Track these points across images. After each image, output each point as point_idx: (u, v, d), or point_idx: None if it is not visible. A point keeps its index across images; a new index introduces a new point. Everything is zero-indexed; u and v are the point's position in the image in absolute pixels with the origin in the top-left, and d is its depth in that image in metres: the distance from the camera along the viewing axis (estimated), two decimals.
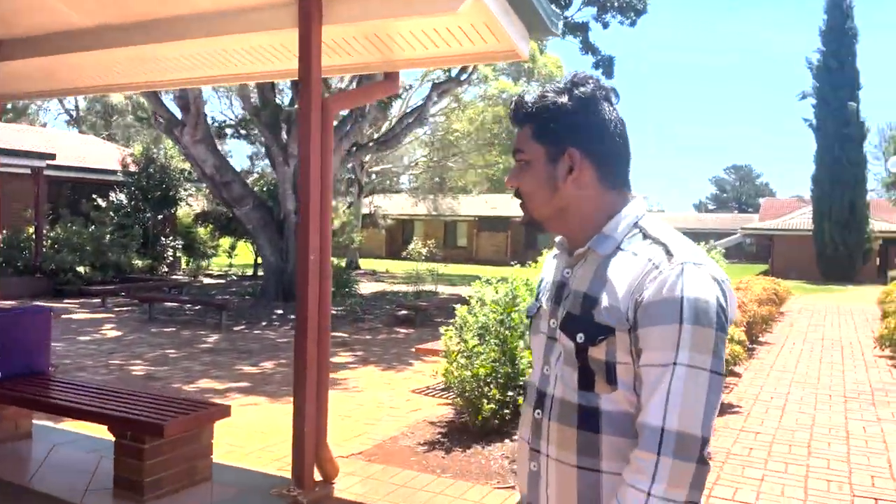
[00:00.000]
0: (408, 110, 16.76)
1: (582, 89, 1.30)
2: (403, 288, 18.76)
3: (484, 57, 4.32)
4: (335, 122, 13.91)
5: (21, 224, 16.58)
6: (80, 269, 15.67)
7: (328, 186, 4.17)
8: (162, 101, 12.43)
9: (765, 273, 28.08)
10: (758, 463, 4.94)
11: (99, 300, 13.76)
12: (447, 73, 14.16)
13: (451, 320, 5.80)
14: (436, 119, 30.06)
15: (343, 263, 25.38)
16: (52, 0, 4.00)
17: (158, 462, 3.82)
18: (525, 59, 4.10)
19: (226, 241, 25.59)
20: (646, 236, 1.27)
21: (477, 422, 5.18)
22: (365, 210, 34.85)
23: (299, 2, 3.66)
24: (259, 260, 19.07)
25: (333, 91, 13.52)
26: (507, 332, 5.42)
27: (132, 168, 19.01)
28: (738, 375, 8.00)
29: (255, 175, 22.62)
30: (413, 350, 8.42)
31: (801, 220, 33.35)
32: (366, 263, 33.61)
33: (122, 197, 18.65)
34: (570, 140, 1.29)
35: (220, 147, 30.48)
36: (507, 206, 38.51)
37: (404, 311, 12.53)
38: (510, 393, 5.23)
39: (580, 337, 1.23)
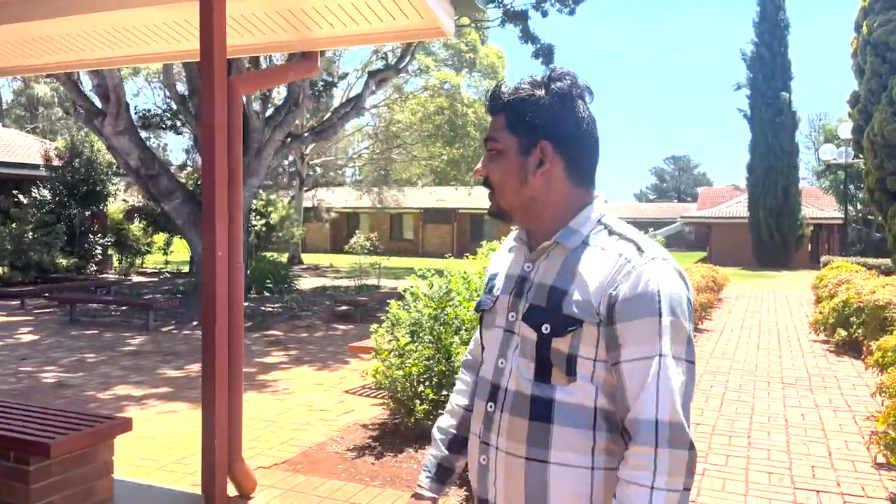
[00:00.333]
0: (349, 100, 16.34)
1: (559, 84, 1.31)
2: (346, 283, 18.35)
3: (407, 34, 4.03)
4: (268, 112, 13.40)
5: None
6: None
7: (237, 176, 3.81)
8: (81, 90, 11.67)
9: (703, 260, 28.67)
10: (698, 456, 4.81)
11: (18, 302, 12.95)
12: (384, 61, 13.82)
13: (383, 317, 5.50)
14: (378, 110, 29.61)
15: (283, 258, 24.81)
16: None
17: (47, 485, 3.41)
18: (449, 35, 3.83)
19: (160, 238, 24.67)
20: (611, 232, 1.29)
21: (410, 424, 4.91)
22: (308, 203, 34.15)
23: None
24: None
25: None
26: (441, 328, 5.15)
27: (56, 162, 18.02)
28: None
29: (190, 168, 21.75)
30: (355, 343, 8.08)
31: (738, 208, 34.21)
32: (309, 258, 32.96)
33: (46, 192, 17.66)
34: (544, 133, 1.30)
35: (156, 139, 29.50)
36: (453, 197, 38.35)
37: (344, 307, 12.15)
38: (445, 392, 4.96)
39: (545, 328, 1.24)
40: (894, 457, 3.95)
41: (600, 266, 1.24)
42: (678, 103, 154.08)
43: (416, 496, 1.50)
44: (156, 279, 18.91)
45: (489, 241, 8.34)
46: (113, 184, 18.63)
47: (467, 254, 6.66)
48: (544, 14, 14.83)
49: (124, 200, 23.92)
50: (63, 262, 16.81)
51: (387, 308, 5.54)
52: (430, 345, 5.10)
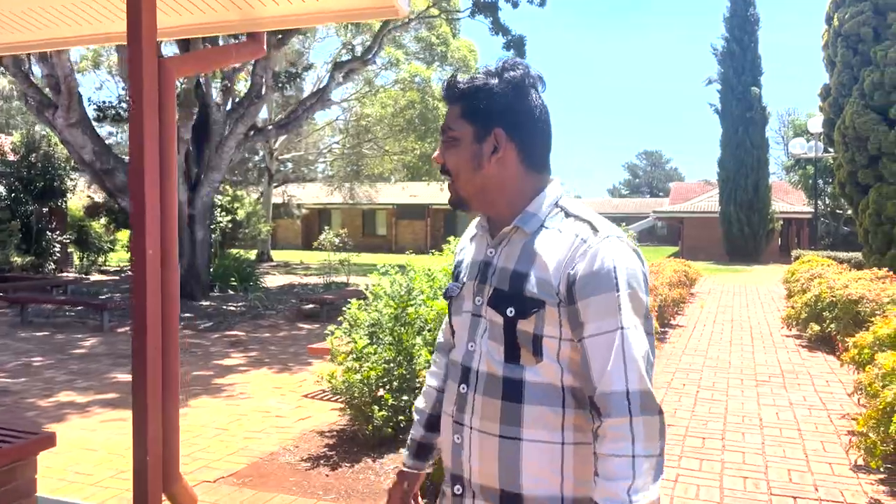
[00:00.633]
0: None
1: (511, 73, 1.35)
2: (315, 280, 17.96)
3: (360, 14, 3.69)
4: (229, 105, 12.97)
5: None
6: None
7: (170, 167, 3.46)
8: (31, 81, 11.16)
9: (675, 255, 28.76)
10: (671, 460, 4.60)
11: None
12: (350, 52, 13.45)
13: (340, 318, 5.20)
14: (349, 104, 29.16)
15: (252, 256, 24.30)
16: None
17: None
18: (403, 16, 3.53)
19: (125, 234, 23.99)
20: (568, 214, 1.33)
21: (368, 431, 4.62)
22: (278, 200, 33.58)
23: None
24: None
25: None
26: (402, 329, 4.87)
27: (11, 157, 17.36)
28: None
29: None
30: (314, 345, 7.76)
31: (709, 202, 34.41)
32: (280, 255, 32.43)
33: (0, 188, 17.01)
34: (497, 121, 1.33)
35: (121, 133, 28.68)
36: (426, 193, 38.04)
37: (310, 305, 11.80)
38: (405, 397, 4.69)
39: (510, 311, 1.28)
40: (874, 461, 3.76)
41: (557, 247, 1.28)
42: (650, 98, 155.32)
43: (401, 474, 1.61)
44: (117, 278, 18.33)
45: (458, 238, 8.12)
46: (71, 179, 18.02)
47: (433, 250, 6.39)
48: (515, 5, 14.58)
49: (89, 197, 23.24)
50: (18, 260, 16.19)
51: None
52: (391, 347, 4.82)
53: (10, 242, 15.55)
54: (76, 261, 20.84)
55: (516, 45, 15.04)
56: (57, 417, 5.56)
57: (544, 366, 1.27)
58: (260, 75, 12.01)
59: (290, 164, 32.55)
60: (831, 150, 16.54)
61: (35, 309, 11.49)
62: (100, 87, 39.30)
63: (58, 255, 18.14)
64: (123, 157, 13.55)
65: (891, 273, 9.23)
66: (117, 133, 26.70)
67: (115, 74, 12.90)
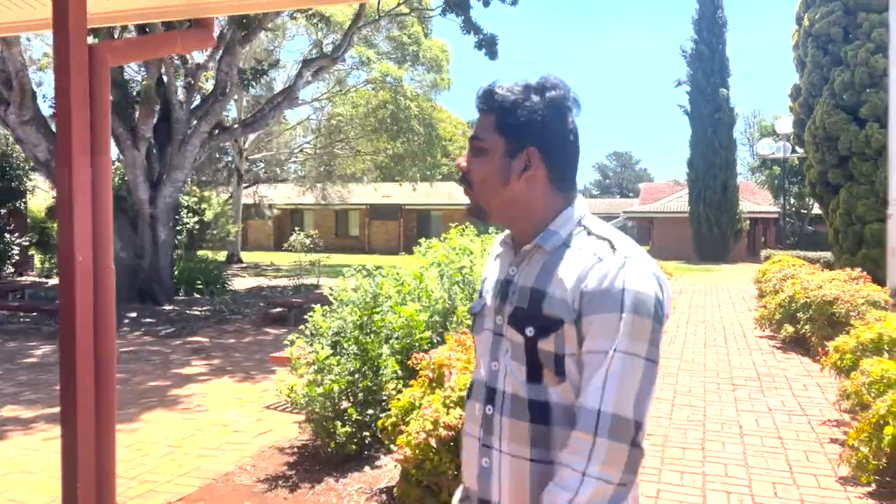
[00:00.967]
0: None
1: (553, 94, 1.33)
2: (285, 282, 17.56)
3: None
4: (194, 103, 12.54)
5: None
6: None
7: (104, 164, 3.15)
8: None
9: None
10: (651, 474, 4.39)
11: None
12: (320, 50, 13.11)
13: (302, 326, 4.90)
14: (320, 103, 28.73)
15: (222, 257, 23.77)
16: None
17: None
18: (369, 1, 3.26)
19: None
20: (590, 233, 1.32)
21: (330, 449, 4.33)
22: (249, 200, 32.98)
23: None
24: None
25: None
26: (367, 337, 4.59)
27: None
28: None
29: (117, 163, 20.54)
30: (277, 353, 7.44)
31: (678, 202, 34.61)
32: (251, 256, 31.85)
33: None
34: (532, 140, 1.31)
35: None
36: (399, 193, 37.69)
37: (278, 309, 11.44)
38: (371, 411, 4.41)
39: (530, 330, 1.27)
40: (866, 475, 3.58)
41: (576, 265, 1.27)
42: (620, 100, 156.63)
43: None
44: None
45: (435, 238, 7.84)
46: (30, 179, 17.37)
47: (403, 252, 6.12)
48: (486, 3, 14.35)
49: (54, 198, 22.51)
50: None
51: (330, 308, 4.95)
52: (356, 357, 4.54)
53: None
54: (37, 264, 20.14)
55: (488, 44, 14.82)
56: None
57: (567, 386, 1.25)
58: (225, 72, 11.60)
59: (261, 165, 31.97)
60: (800, 149, 16.63)
61: None
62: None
63: (17, 258, 17.47)
64: None
65: (864, 273, 9.18)
66: None
67: None
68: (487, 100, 1.35)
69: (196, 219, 17.94)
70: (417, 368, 3.97)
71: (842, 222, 12.59)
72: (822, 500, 3.94)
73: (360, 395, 4.44)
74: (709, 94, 29.86)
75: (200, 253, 19.37)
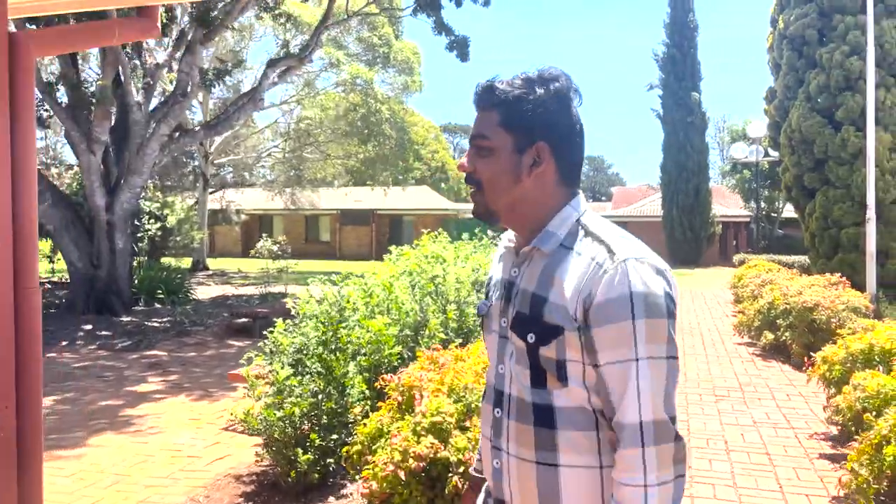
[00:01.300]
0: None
1: (556, 85, 1.30)
2: (251, 290, 17.05)
3: None
4: (153, 103, 12.04)
5: None
6: None
7: (27, 166, 2.77)
8: None
9: None
10: None
11: None
12: (284, 50, 12.69)
13: (261, 343, 4.52)
14: (290, 106, 28.21)
15: (187, 264, 23.11)
16: None
17: None
18: None
19: (46, 245, 22.50)
20: (587, 234, 1.29)
21: (291, 478, 3.96)
22: (216, 205, 32.26)
23: None
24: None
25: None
26: (332, 355, 4.23)
27: None
28: None
29: (75, 168, 19.84)
30: (234, 370, 7.03)
31: (651, 206, 34.72)
32: (218, 263, 31.12)
33: None
34: (541, 134, 1.28)
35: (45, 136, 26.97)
36: (371, 198, 37.20)
37: (242, 319, 10.98)
38: (335, 436, 4.05)
39: (531, 337, 1.26)
40: (866, 500, 3.32)
41: (574, 271, 1.25)
42: (593, 104, 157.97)
43: (473, 475, 1.58)
44: None
45: (407, 245, 7.49)
46: None
47: (374, 258, 5.78)
48: (458, 4, 14.08)
49: None
50: None
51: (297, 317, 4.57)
52: (319, 376, 4.18)
53: None
54: None
55: (459, 45, 14.54)
56: None
57: (572, 390, 1.25)
58: (186, 72, 11.14)
59: (229, 169, 31.29)
60: (774, 153, 16.60)
61: None
62: None
63: None
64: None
65: (843, 279, 9.06)
66: (44, 137, 25.07)
67: None
68: (488, 96, 1.30)
69: (158, 225, 17.36)
70: (385, 391, 3.64)
71: (818, 226, 12.52)
72: None
73: (324, 418, 4.08)
74: (681, 98, 29.97)
75: (164, 260, 18.77)
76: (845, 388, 4.29)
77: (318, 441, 3.96)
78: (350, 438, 3.80)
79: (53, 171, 22.49)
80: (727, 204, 35.03)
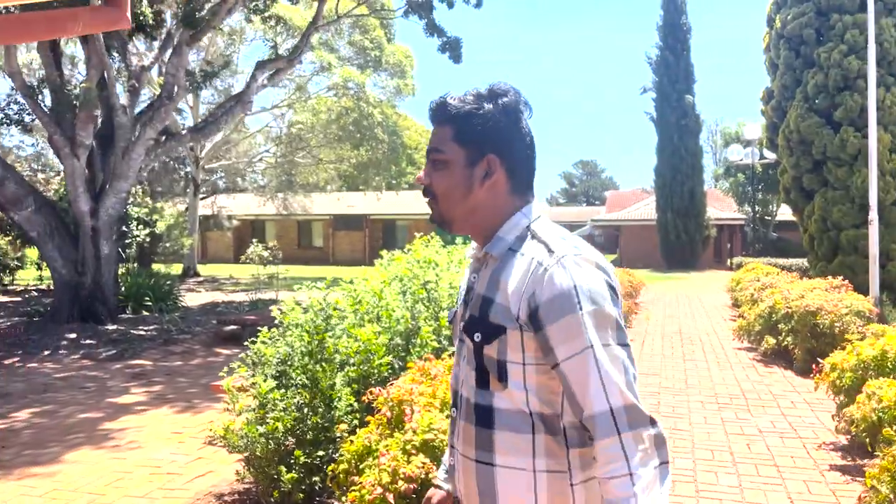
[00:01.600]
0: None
1: (505, 99, 1.36)
2: (242, 297, 16.77)
3: None
4: (138, 107, 11.78)
5: None
6: None
7: None
8: None
9: (614, 262, 28.65)
10: None
11: None
12: (272, 51, 12.46)
13: (242, 353, 4.28)
14: (281, 110, 27.96)
15: (177, 270, 22.81)
16: None
17: None
18: None
19: (33, 252, 22.16)
20: (533, 237, 1.34)
21: (273, 498, 3.71)
22: (207, 211, 31.95)
23: None
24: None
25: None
26: (317, 367, 3.99)
27: None
28: None
29: (59, 176, 19.54)
30: (218, 381, 6.77)
31: (646, 210, 34.59)
32: (209, 269, 30.82)
33: None
34: (491, 147, 1.34)
35: (22, 140, 26.61)
36: (364, 203, 36.95)
37: (231, 327, 10.70)
38: (321, 452, 3.81)
39: (477, 336, 1.31)
40: None
41: (517, 272, 1.29)
42: (586, 109, 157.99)
43: (436, 486, 1.58)
44: (19, 298, 16.69)
45: (398, 250, 7.25)
46: None
47: (368, 263, 5.55)
48: (450, 5, 13.88)
49: None
50: None
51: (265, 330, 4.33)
52: (304, 389, 3.94)
53: None
54: None
55: (452, 47, 14.34)
56: None
57: (511, 392, 1.28)
58: (172, 74, 10.89)
59: (220, 174, 31.00)
60: (772, 154, 16.43)
61: None
62: None
63: None
64: (15, 165, 12.16)
65: (846, 282, 8.87)
66: (36, 143, 24.71)
67: (5, 71, 11.54)
68: (442, 112, 1.37)
69: (147, 231, 17.07)
70: (373, 405, 3.40)
71: (817, 228, 12.34)
72: None
73: (310, 433, 3.84)
74: (674, 101, 29.89)
75: (154, 267, 18.47)
76: (859, 397, 4.08)
77: (302, 458, 3.71)
78: (337, 455, 3.56)
79: (41, 176, 22.19)
80: (721, 207, 34.93)
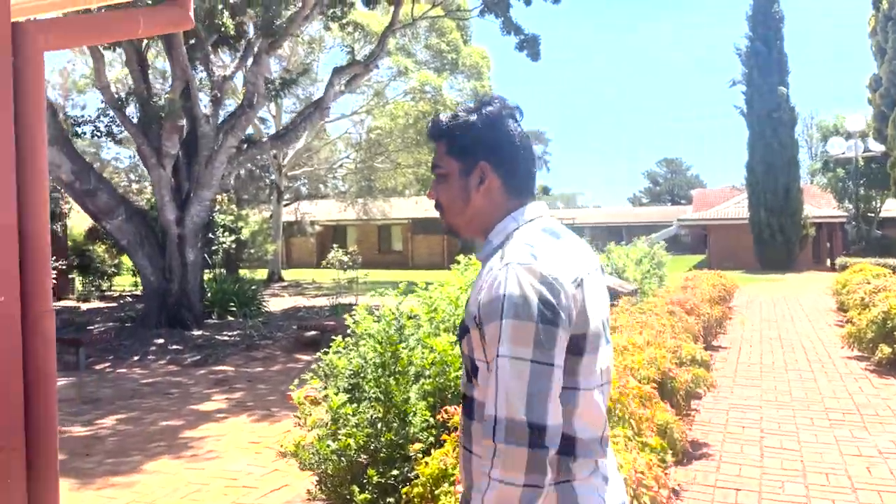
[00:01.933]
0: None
1: (488, 109, 1.44)
2: (323, 301, 16.95)
3: None
4: (221, 117, 12.03)
5: None
6: None
7: (37, 174, 2.43)
8: None
9: (701, 263, 27.41)
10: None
11: None
12: (350, 56, 12.49)
13: (315, 364, 4.12)
14: (360, 116, 28.33)
15: (262, 276, 23.40)
16: None
17: None
18: None
19: (129, 259, 23.21)
20: (511, 241, 1.38)
21: None
22: (291, 217, 32.76)
23: None
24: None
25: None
26: (391, 379, 3.78)
27: None
28: (698, 397, 6.58)
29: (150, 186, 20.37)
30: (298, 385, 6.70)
31: (736, 208, 32.98)
32: (293, 274, 31.57)
33: None
34: (480, 154, 1.42)
35: (118, 152, 28.06)
36: None
37: (311, 332, 10.74)
38: (395, 472, 3.59)
39: (458, 335, 1.43)
40: None
41: (483, 275, 1.36)
42: (669, 105, 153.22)
43: None
44: (114, 304, 17.45)
45: (476, 254, 7.02)
46: (66, 202, 17.21)
47: (446, 267, 5.30)
48: (528, 2, 13.54)
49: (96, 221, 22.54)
50: None
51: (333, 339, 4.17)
52: (378, 403, 3.73)
53: None
54: (78, 286, 20.04)
55: (530, 44, 13.98)
56: None
57: (479, 385, 1.34)
58: (252, 83, 11.07)
59: (303, 181, 31.72)
60: (878, 146, 15.18)
61: None
62: (83, 105, 38.15)
63: (54, 281, 17.32)
64: (110, 177, 12.66)
65: None
66: (132, 155, 25.95)
67: (96, 86, 12.03)
68: (435, 130, 1.48)
69: (233, 238, 17.51)
70: (449, 425, 3.15)
71: None
72: None
73: (384, 450, 3.62)
74: (766, 93, 28.33)
75: (241, 272, 18.96)
76: None
77: (376, 478, 3.50)
78: (412, 474, 3.33)
79: (135, 186, 23.25)
80: (818, 204, 32.85)
